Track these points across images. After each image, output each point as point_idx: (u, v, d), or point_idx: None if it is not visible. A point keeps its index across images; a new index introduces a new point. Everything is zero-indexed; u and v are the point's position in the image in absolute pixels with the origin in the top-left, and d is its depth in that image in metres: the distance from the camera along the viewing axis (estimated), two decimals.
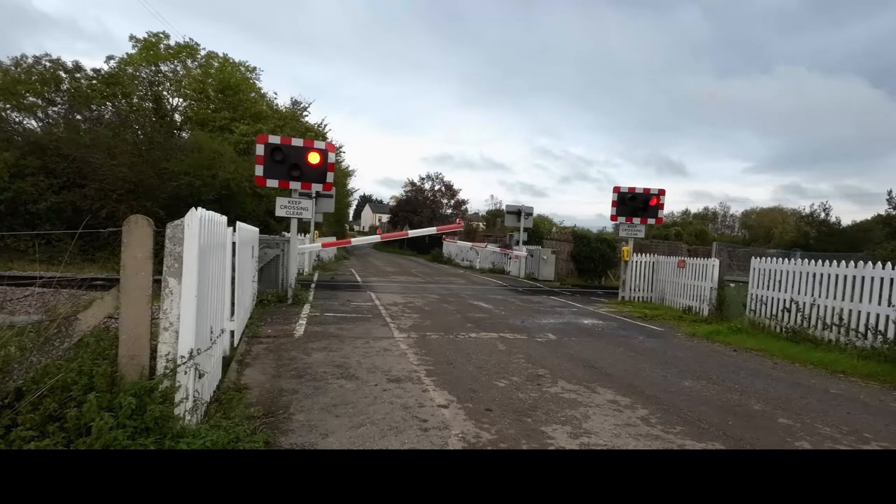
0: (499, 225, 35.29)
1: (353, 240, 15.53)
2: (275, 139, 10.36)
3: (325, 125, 29.82)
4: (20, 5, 50.60)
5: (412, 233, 15.38)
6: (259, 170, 10.16)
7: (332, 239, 26.11)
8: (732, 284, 10.89)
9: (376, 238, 15.83)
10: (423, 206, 50.00)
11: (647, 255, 14.28)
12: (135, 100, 24.24)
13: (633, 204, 13.99)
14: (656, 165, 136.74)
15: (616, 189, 14.09)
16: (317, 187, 10.52)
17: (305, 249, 14.44)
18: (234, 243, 5.60)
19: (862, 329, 7.42)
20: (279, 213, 10.60)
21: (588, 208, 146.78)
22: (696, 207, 69.85)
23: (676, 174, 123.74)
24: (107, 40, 55.28)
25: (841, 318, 7.76)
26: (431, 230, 15.60)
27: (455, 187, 52.81)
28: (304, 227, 16.21)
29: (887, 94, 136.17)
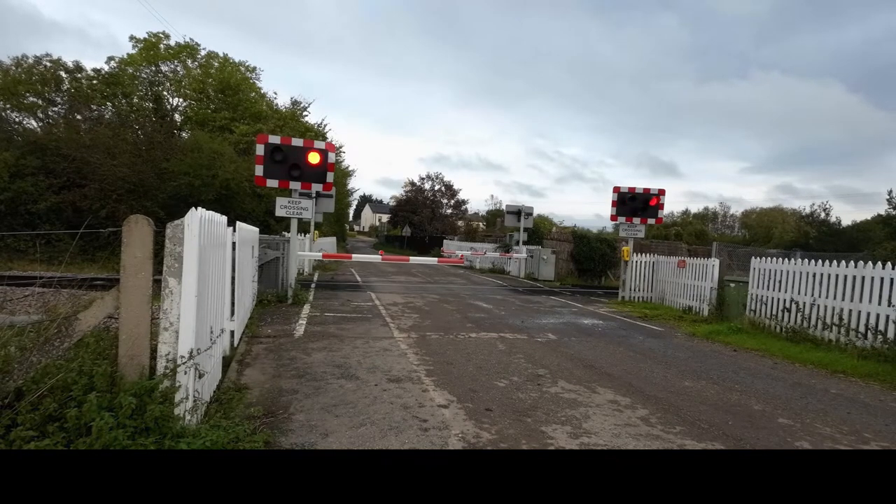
0: (499, 225, 35.31)
1: (354, 256, 16.04)
2: (275, 139, 10.35)
3: (325, 125, 29.91)
4: (29, 14, 50.78)
5: (413, 259, 15.93)
6: (259, 170, 10.15)
7: (332, 240, 26.27)
8: (732, 284, 10.88)
9: (377, 258, 16.29)
10: (423, 206, 49.99)
11: (647, 255, 14.27)
12: (135, 100, 24.27)
13: (633, 204, 13.98)
14: (650, 166, 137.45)
15: (616, 189, 14.08)
16: (317, 187, 10.52)
17: (305, 257, 14.53)
18: (234, 243, 5.60)
19: (862, 329, 7.42)
20: (279, 213, 10.60)
21: (586, 208, 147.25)
22: (694, 207, 69.95)
23: (670, 175, 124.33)
24: (115, 46, 55.80)
25: (841, 318, 7.76)
26: (433, 261, 16.09)
27: (455, 187, 52.81)
28: (304, 227, 16.23)
29: (866, 98, 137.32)
